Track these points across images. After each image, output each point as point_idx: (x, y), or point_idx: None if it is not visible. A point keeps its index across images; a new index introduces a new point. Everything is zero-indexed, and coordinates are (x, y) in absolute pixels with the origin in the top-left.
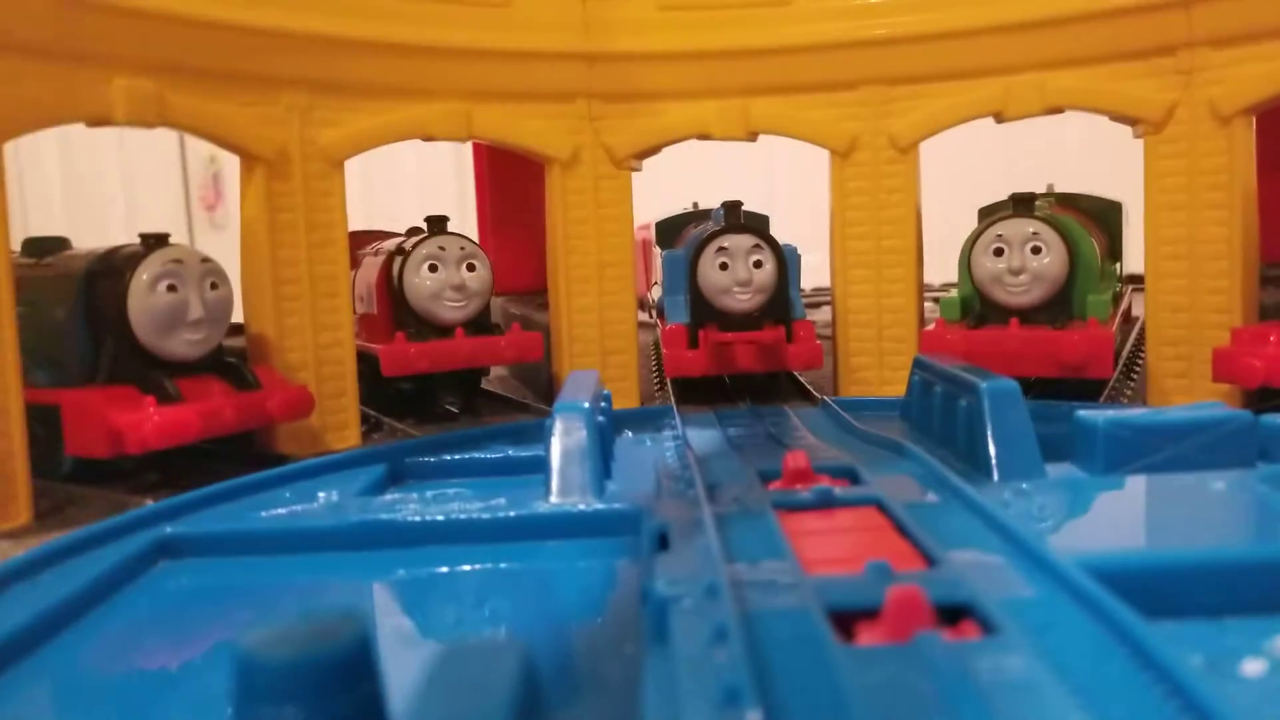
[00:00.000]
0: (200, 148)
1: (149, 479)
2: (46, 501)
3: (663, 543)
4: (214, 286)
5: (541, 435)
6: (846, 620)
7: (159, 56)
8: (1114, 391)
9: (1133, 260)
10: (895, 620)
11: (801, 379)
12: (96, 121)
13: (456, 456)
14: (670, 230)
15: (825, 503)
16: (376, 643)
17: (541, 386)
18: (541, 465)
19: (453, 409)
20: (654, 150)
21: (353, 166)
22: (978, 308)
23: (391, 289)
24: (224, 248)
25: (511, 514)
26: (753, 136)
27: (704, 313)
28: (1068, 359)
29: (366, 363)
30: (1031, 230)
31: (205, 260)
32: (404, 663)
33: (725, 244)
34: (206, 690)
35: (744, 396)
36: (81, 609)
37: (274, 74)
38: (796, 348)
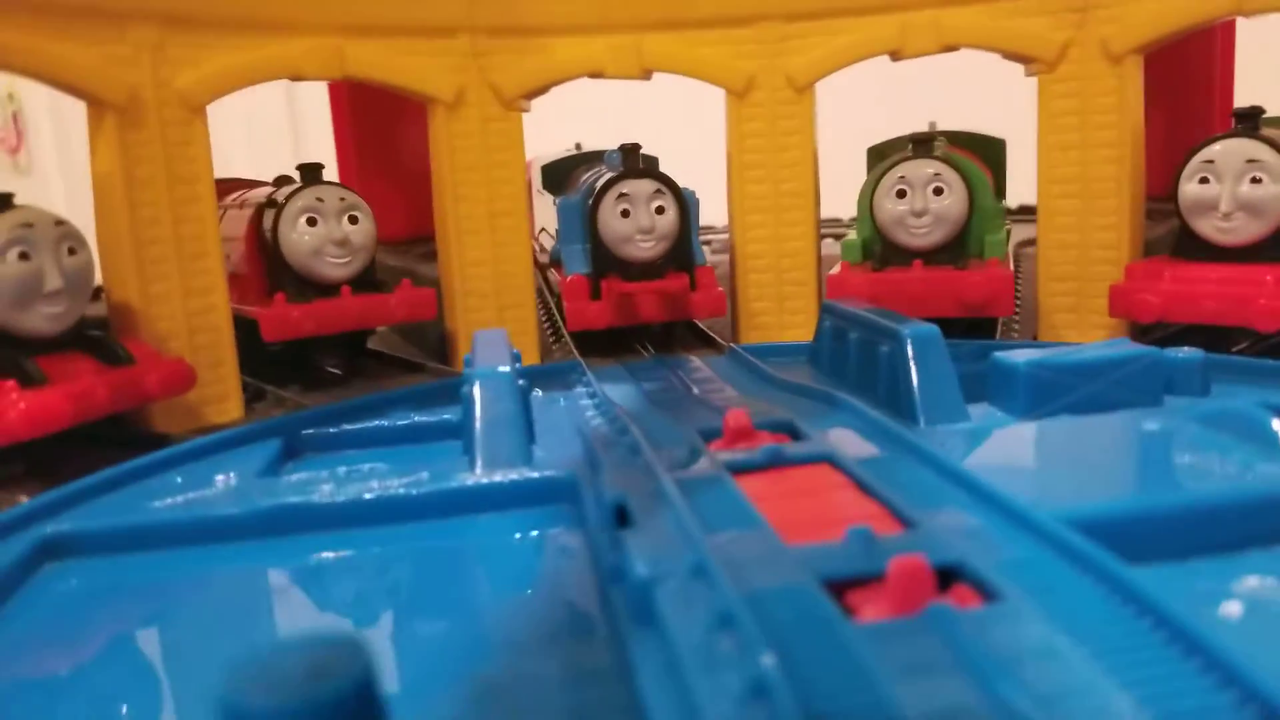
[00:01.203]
0: None
1: (12, 471)
2: None
3: (621, 516)
4: (71, 252)
5: (446, 398)
6: (838, 591)
7: None
8: (1002, 328)
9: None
10: (902, 592)
11: (701, 325)
12: None
13: (358, 426)
14: (557, 173)
15: (775, 462)
16: (378, 676)
17: (431, 344)
18: (451, 430)
19: (335, 371)
20: (543, 90)
21: None
22: (879, 250)
23: (264, 245)
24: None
25: (438, 489)
26: (647, 75)
27: (605, 262)
28: (971, 299)
29: (239, 327)
30: (933, 171)
31: (60, 223)
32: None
33: (626, 190)
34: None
35: (643, 345)
36: None
37: (118, 7)
38: (701, 296)
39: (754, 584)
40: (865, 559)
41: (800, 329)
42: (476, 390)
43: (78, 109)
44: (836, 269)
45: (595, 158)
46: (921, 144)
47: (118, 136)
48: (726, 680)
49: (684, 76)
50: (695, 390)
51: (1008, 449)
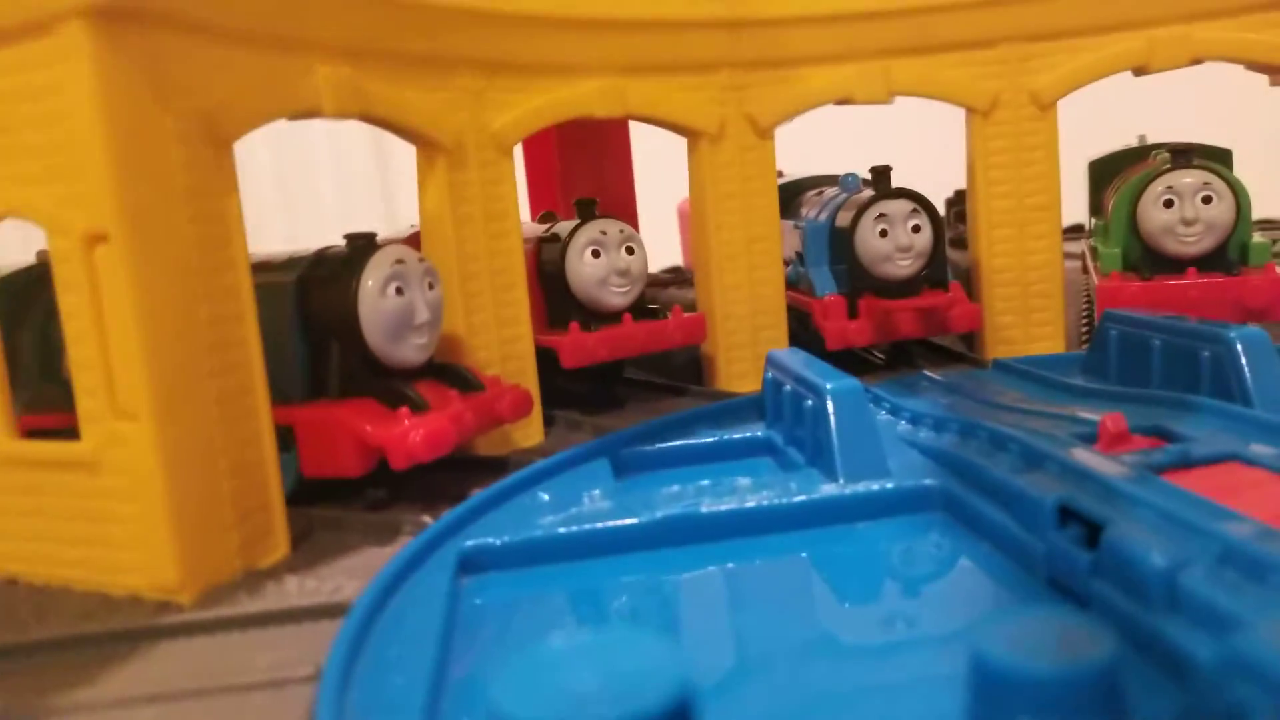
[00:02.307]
0: None
1: (377, 496)
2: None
3: (1063, 515)
4: (431, 286)
5: (735, 418)
6: None
7: (352, 39)
8: None
9: None
10: None
11: (936, 341)
12: (303, 114)
13: (671, 444)
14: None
15: (1184, 463)
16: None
17: (674, 368)
18: (759, 446)
19: (577, 392)
20: (793, 118)
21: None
22: (1143, 259)
23: (547, 276)
24: None
25: (814, 499)
26: (891, 99)
27: (860, 281)
28: (1253, 303)
29: None
30: (1203, 181)
31: (421, 259)
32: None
33: (884, 210)
34: None
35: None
36: (446, 641)
37: (450, 54)
38: (958, 310)
39: None
40: None
41: (1047, 341)
42: (830, 404)
43: None
44: (1098, 279)
45: (810, 184)
46: (1181, 154)
47: (446, 177)
48: None
49: (928, 98)
50: (1000, 400)
51: None
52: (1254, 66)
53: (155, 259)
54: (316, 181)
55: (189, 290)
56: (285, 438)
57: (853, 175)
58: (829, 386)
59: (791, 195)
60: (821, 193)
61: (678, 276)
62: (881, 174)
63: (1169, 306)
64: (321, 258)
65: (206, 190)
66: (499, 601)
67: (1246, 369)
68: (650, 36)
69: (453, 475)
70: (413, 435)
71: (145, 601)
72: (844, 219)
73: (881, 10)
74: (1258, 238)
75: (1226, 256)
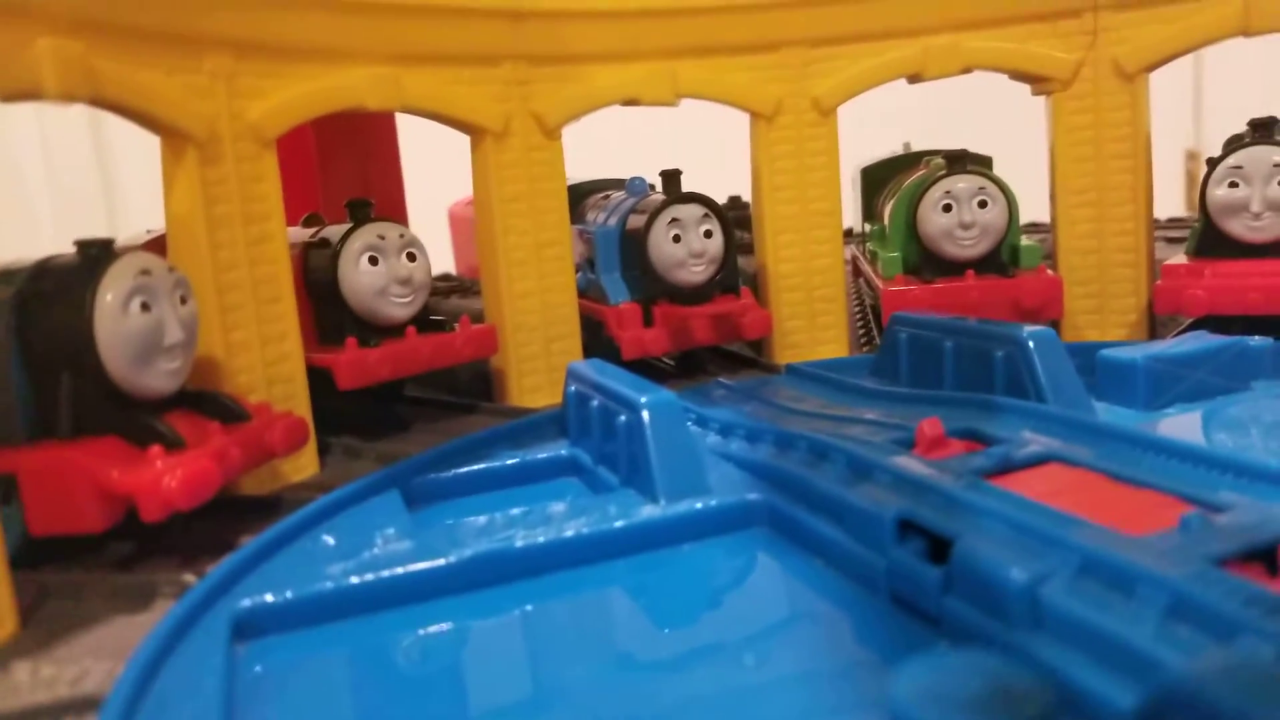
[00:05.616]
0: None
1: (122, 551)
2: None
3: (903, 528)
4: (183, 300)
5: (536, 436)
6: None
7: (80, 8)
8: None
9: None
10: None
11: (727, 347)
12: (19, 95)
13: (468, 469)
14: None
15: (1007, 466)
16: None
17: (461, 383)
18: (564, 465)
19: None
20: (579, 118)
21: None
22: (923, 262)
23: (317, 286)
24: None
25: (635, 523)
26: (678, 101)
27: (654, 288)
28: (1027, 303)
29: None
30: (978, 186)
31: (171, 269)
32: None
33: (677, 215)
34: None
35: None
36: None
37: (194, 31)
38: (750, 317)
39: (1152, 570)
40: (1232, 541)
41: (832, 345)
42: (647, 419)
43: None
44: (881, 283)
45: (591, 187)
46: (956, 160)
47: (198, 173)
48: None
49: (714, 102)
50: (803, 407)
51: (1187, 435)
52: (1017, 75)
53: None
54: (20, 177)
55: None
56: (5, 488)
57: (639, 179)
58: (644, 400)
59: (574, 200)
60: (607, 196)
61: (456, 285)
62: (671, 178)
63: (951, 308)
64: (44, 269)
65: None
66: (285, 668)
67: (1040, 368)
68: (425, 22)
69: (215, 521)
70: (168, 479)
71: None
72: (635, 223)
73: (664, 9)
74: (1026, 240)
75: (1000, 259)
